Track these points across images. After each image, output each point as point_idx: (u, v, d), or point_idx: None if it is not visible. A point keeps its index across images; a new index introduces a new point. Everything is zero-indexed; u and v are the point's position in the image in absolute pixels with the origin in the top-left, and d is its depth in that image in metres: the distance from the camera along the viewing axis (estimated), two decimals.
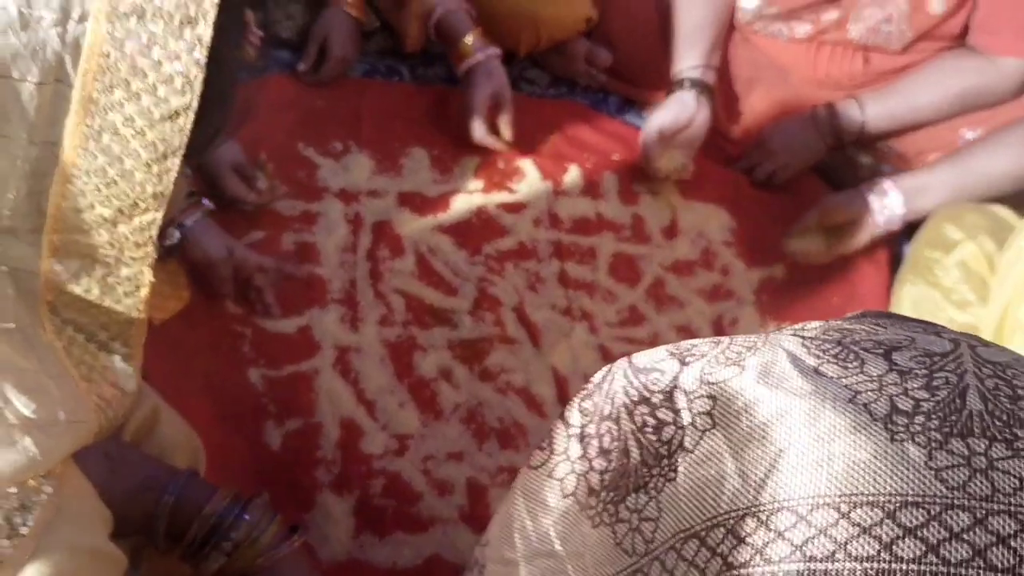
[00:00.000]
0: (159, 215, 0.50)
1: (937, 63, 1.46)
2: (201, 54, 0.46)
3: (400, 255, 1.32)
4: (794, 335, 0.37)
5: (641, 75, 1.61)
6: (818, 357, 0.35)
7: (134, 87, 0.46)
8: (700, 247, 1.45)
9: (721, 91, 1.56)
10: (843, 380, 0.33)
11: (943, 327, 0.37)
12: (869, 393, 0.33)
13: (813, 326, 0.38)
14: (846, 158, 1.53)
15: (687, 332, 1.33)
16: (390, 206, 1.37)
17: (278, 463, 1.08)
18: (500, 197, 1.43)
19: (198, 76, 0.47)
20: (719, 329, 1.35)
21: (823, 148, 1.50)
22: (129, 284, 0.54)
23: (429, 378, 1.20)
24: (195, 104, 0.47)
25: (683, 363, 0.38)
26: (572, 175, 1.49)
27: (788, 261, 1.45)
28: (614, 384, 0.39)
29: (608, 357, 1.27)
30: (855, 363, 0.34)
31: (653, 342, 1.31)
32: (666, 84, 1.58)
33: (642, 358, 0.40)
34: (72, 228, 0.50)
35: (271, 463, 1.07)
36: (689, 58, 1.47)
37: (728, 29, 1.57)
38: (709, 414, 0.35)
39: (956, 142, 1.46)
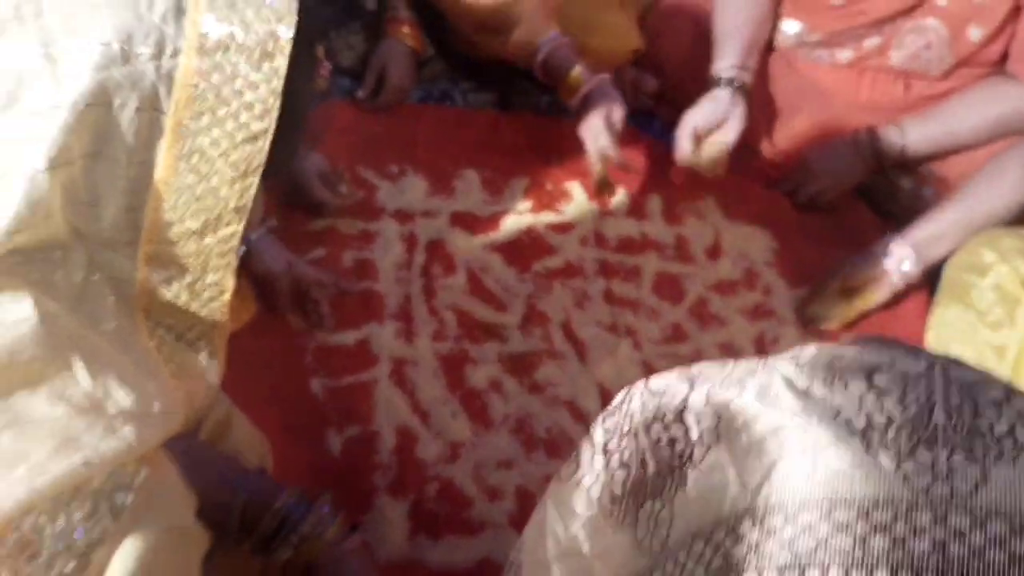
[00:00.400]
0: (240, 227, 0.56)
1: (976, 90, 1.49)
2: (278, 84, 0.52)
3: (452, 272, 1.38)
4: (790, 360, 0.43)
5: (686, 99, 1.65)
6: (809, 379, 0.41)
7: (219, 114, 0.52)
8: (742, 267, 1.49)
9: (763, 114, 1.60)
10: (828, 400, 0.39)
11: (925, 352, 0.43)
12: (849, 410, 0.39)
13: (809, 351, 0.43)
14: (887, 181, 1.56)
15: (729, 350, 1.38)
16: (443, 226, 1.44)
17: (338, 468, 1.14)
18: (548, 218, 1.49)
19: (275, 104, 0.52)
20: (761, 347, 1.39)
21: (864, 171, 1.54)
22: (214, 289, 0.59)
23: (480, 389, 1.26)
24: (272, 128, 0.53)
25: (692, 386, 0.44)
26: (618, 197, 1.54)
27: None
28: (632, 405, 0.45)
29: (651, 373, 1.31)
30: (840, 383, 0.40)
31: (695, 359, 1.35)
32: None
33: (657, 382, 0.46)
34: (164, 240, 0.55)
35: (332, 467, 1.14)
36: (724, 58, 1.50)
37: (769, 52, 1.61)
38: (714, 430, 0.41)
39: None
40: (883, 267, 1.40)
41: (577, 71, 1.47)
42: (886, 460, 0.37)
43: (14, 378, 0.52)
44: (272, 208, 1.31)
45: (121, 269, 0.57)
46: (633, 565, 0.43)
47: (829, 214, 1.59)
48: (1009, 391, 0.41)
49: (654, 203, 1.55)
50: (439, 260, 1.39)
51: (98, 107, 0.50)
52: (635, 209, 1.53)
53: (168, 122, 0.52)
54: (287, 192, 1.38)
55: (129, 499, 0.55)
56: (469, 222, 1.45)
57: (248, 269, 1.23)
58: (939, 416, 0.38)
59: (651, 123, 1.69)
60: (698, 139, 1.46)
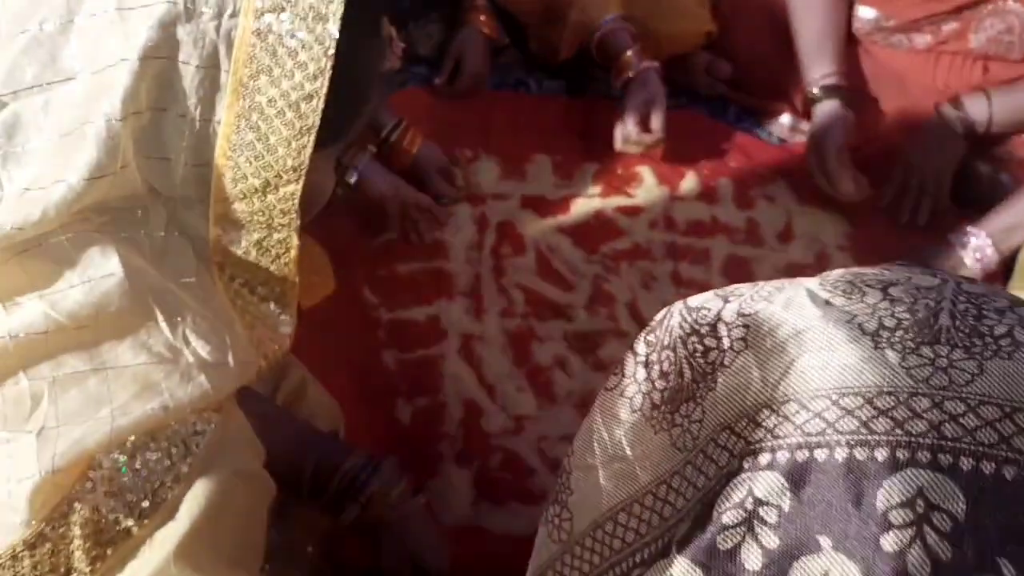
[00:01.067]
0: (299, 186, 0.57)
1: None
2: (331, 45, 0.54)
3: (521, 253, 1.42)
4: (818, 278, 0.46)
5: (760, 86, 1.66)
6: (830, 292, 0.44)
7: (275, 73, 0.55)
8: (814, 251, 1.49)
9: None
10: (846, 307, 0.43)
11: (943, 271, 0.46)
12: (864, 316, 0.42)
13: (836, 272, 0.47)
14: (966, 169, 1.53)
15: None
16: (513, 208, 1.48)
17: (407, 436, 1.19)
18: (618, 201, 1.52)
19: (327, 65, 0.54)
20: None
21: (960, 148, 1.49)
22: (280, 247, 0.61)
23: (545, 366, 1.29)
24: (324, 89, 0.55)
25: (726, 301, 0.47)
26: (689, 181, 1.55)
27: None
28: (672, 320, 0.48)
29: None
30: (857, 295, 0.43)
31: None
32: (784, 94, 1.63)
33: (695, 299, 0.49)
34: (231, 198, 0.58)
35: (401, 435, 1.19)
36: (821, 67, 1.50)
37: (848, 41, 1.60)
38: (743, 339, 0.44)
39: None
40: (960, 257, 1.39)
41: (628, 55, 1.50)
42: (892, 355, 0.40)
43: (102, 329, 0.57)
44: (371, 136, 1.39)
45: (196, 227, 0.60)
46: (669, 463, 0.47)
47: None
48: (1013, 302, 0.44)
49: (724, 187, 1.55)
50: (509, 241, 1.43)
51: (163, 60, 0.54)
52: (705, 193, 1.54)
53: (228, 81, 0.55)
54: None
55: (203, 443, 0.59)
56: (539, 205, 1.49)
57: (362, 193, 1.34)
58: (944, 319, 0.42)
59: (725, 110, 1.70)
60: (843, 160, 1.47)
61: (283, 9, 0.54)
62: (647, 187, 1.54)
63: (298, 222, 0.59)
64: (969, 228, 1.40)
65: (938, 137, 1.48)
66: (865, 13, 1.53)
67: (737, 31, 1.65)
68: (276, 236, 0.60)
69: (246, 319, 0.64)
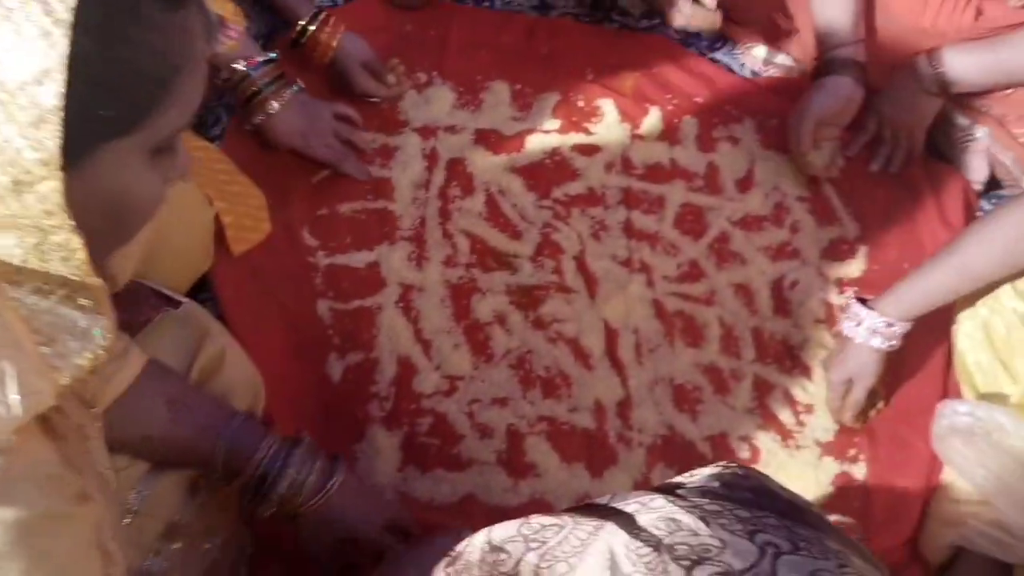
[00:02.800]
0: (58, 183, 0.51)
1: None
2: (63, 15, 0.48)
3: (470, 194, 1.37)
4: (630, 521, 0.43)
5: (737, 11, 1.56)
6: (633, 564, 0.41)
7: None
8: (773, 201, 1.44)
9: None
10: None
11: (768, 528, 0.42)
12: None
13: (656, 508, 0.43)
14: (941, 118, 1.46)
15: (744, 291, 1.35)
16: (466, 143, 1.41)
17: (336, 395, 1.18)
18: (576, 139, 1.45)
19: (61, 38, 0.48)
20: (779, 291, 1.36)
21: (934, 102, 1.42)
22: (62, 250, 0.55)
23: (484, 322, 1.27)
24: (63, 70, 0.49)
25: (527, 548, 0.44)
26: (652, 118, 1.48)
27: (862, 221, 1.43)
28: (472, 556, 0.46)
29: (661, 312, 1.31)
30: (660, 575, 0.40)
31: (708, 300, 1.34)
32: (761, 22, 1.54)
33: (499, 533, 0.46)
34: None
35: (330, 394, 1.18)
36: (839, 34, 1.39)
37: None
38: None
39: None
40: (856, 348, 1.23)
41: None
42: None
43: None
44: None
45: None
46: None
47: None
48: None
49: (688, 127, 1.48)
50: (458, 180, 1.38)
51: None
52: (668, 132, 1.48)
53: None
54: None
55: None
56: (493, 140, 1.42)
57: (272, 137, 1.27)
58: None
59: (698, 35, 1.60)
60: (819, 132, 1.39)
61: None
62: (608, 124, 1.47)
63: (72, 223, 0.52)
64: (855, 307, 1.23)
65: (911, 93, 1.41)
66: None
67: None
68: (53, 239, 0.54)
69: (42, 335, 0.57)
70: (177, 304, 1.02)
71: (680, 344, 1.29)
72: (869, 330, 1.21)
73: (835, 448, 1.25)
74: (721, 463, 0.54)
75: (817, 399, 1.28)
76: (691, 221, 1.40)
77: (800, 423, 1.27)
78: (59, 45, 0.49)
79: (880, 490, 1.23)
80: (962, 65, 1.36)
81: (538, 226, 1.36)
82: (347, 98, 1.39)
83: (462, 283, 1.30)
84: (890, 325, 1.20)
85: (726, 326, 1.32)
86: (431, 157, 1.39)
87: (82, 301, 0.58)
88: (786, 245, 1.40)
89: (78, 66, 0.49)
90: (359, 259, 1.29)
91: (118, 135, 0.54)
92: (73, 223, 0.53)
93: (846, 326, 1.24)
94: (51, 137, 0.50)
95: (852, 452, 1.26)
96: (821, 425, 1.27)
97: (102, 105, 0.52)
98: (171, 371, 0.95)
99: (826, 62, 1.41)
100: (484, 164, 1.40)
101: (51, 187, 0.51)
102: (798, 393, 1.29)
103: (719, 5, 1.53)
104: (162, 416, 0.90)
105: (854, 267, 1.40)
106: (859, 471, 1.24)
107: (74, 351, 0.58)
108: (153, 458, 0.92)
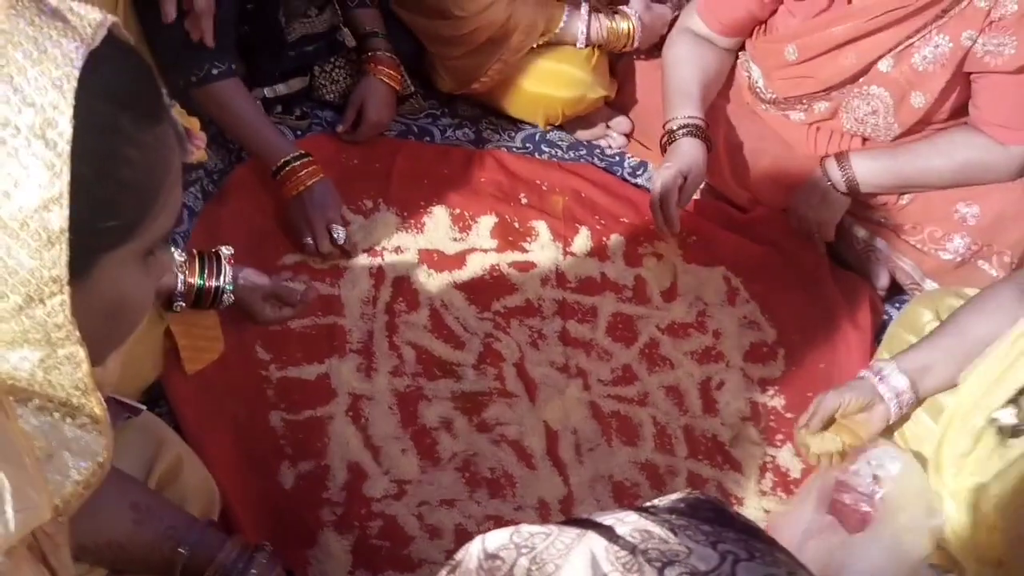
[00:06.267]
0: (66, 296, 0.55)
1: (947, 133, 1.53)
2: (64, 148, 0.53)
3: (416, 309, 1.46)
4: (608, 531, 0.50)
5: (653, 141, 1.72)
6: (612, 564, 0.48)
7: (6, 184, 0.52)
8: (696, 310, 1.55)
9: (729, 159, 1.66)
10: None
11: (728, 536, 0.50)
12: None
13: (630, 521, 0.51)
14: (843, 230, 1.61)
15: (675, 392, 1.44)
16: (411, 262, 1.51)
17: (289, 501, 1.22)
18: (513, 256, 1.56)
19: (63, 168, 0.53)
20: (706, 391, 1.45)
21: (843, 199, 1.56)
22: (69, 363, 0.58)
23: (431, 427, 1.33)
24: (66, 194, 0.53)
25: (519, 554, 0.51)
26: (582, 237, 1.61)
27: (780, 327, 1.55)
28: (470, 564, 0.53)
29: (598, 413, 1.39)
30: (635, 574, 0.47)
31: (642, 401, 1.42)
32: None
33: (493, 540, 0.53)
34: None
35: (283, 501, 1.22)
36: (682, 108, 1.55)
37: (738, 102, 1.67)
38: None
39: (951, 216, 1.53)
40: (878, 393, 1.25)
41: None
42: None
43: None
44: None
45: None
46: None
47: (788, 259, 1.63)
48: None
49: (616, 244, 1.61)
50: (404, 296, 1.47)
51: None
52: (597, 249, 1.60)
53: None
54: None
55: None
56: (436, 259, 1.53)
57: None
58: None
59: (621, 163, 1.75)
60: (676, 191, 1.49)
61: (6, 124, 0.53)
62: (542, 242, 1.59)
63: (77, 334, 0.56)
64: (887, 367, 1.26)
65: (823, 192, 1.55)
66: (756, 77, 1.60)
67: (631, 91, 1.70)
68: (61, 352, 0.57)
69: (41, 450, 0.60)
70: (137, 411, 1.06)
71: (617, 443, 1.37)
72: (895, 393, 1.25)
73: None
74: (686, 490, 0.61)
75: (748, 491, 1.36)
76: (622, 329, 1.50)
77: None
78: (63, 175, 0.54)
79: None
80: (867, 168, 1.51)
81: (480, 336, 1.44)
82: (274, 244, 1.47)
83: (409, 391, 1.36)
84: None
85: (659, 425, 1.40)
86: (377, 275, 1.48)
87: (81, 420, 0.61)
88: (711, 349, 1.51)
89: (79, 190, 0.54)
90: (310, 371, 1.36)
91: (118, 245, 0.59)
92: (79, 335, 0.57)
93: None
94: (59, 256, 0.54)
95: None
96: (752, 516, 1.34)
97: (103, 220, 0.57)
98: (132, 478, 0.98)
99: (670, 132, 1.54)
100: (428, 281, 1.50)
101: (59, 301, 0.55)
102: (730, 486, 1.36)
103: (634, 137, 1.71)
104: (126, 521, 0.92)
105: (774, 368, 1.50)
106: None
107: (73, 468, 0.62)
108: (114, 565, 0.95)
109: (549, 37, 1.67)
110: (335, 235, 1.45)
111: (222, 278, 1.24)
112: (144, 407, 1.09)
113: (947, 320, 1.30)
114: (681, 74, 1.57)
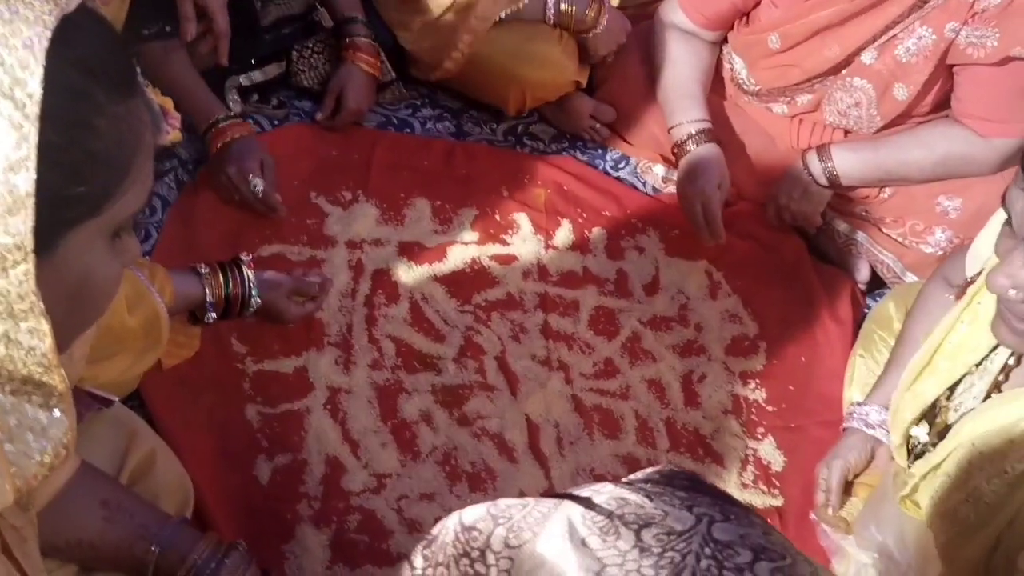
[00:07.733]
0: (30, 266, 0.53)
1: (929, 125, 1.53)
2: (32, 109, 0.51)
3: (395, 302, 1.44)
4: (585, 501, 0.50)
5: (636, 135, 1.71)
6: (588, 529, 0.47)
7: None
8: (678, 303, 1.55)
9: None
10: (599, 552, 0.46)
11: (703, 501, 0.49)
12: (613, 567, 0.45)
13: (606, 491, 0.50)
14: (824, 223, 1.61)
15: (656, 386, 1.43)
16: (390, 255, 1.49)
17: (265, 496, 1.20)
18: (494, 249, 1.54)
19: (31, 131, 0.51)
20: (688, 384, 1.45)
21: (825, 192, 1.56)
22: (32, 337, 0.56)
23: (411, 420, 1.31)
24: (33, 158, 0.51)
25: (496, 524, 0.50)
26: (564, 230, 1.59)
27: (761, 320, 1.54)
28: (446, 537, 0.52)
29: (579, 407, 1.38)
30: (612, 537, 0.47)
31: (623, 395, 1.41)
32: (659, 145, 1.68)
33: (470, 515, 0.52)
34: None
35: (259, 496, 1.20)
36: (688, 111, 1.55)
37: (720, 94, 1.66)
38: (508, 572, 0.48)
39: (933, 209, 1.53)
40: (875, 440, 1.26)
41: None
42: None
43: None
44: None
45: None
46: None
47: (770, 252, 1.63)
48: (757, 552, 0.47)
49: (598, 237, 1.60)
50: (384, 289, 1.45)
51: None
52: (579, 243, 1.58)
53: None
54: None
55: None
56: (416, 252, 1.51)
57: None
58: None
59: (604, 156, 1.74)
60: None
61: None
62: (523, 235, 1.57)
63: (42, 306, 0.54)
64: (864, 409, 1.27)
65: (803, 184, 1.55)
66: (739, 64, 1.60)
67: (615, 82, 1.69)
68: (24, 326, 0.55)
69: (6, 431, 0.58)
70: (108, 403, 1.04)
71: (599, 436, 1.35)
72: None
73: None
74: (660, 465, 0.61)
75: (730, 484, 1.35)
76: (604, 322, 1.49)
77: None
78: (30, 137, 0.52)
79: None
80: (848, 161, 1.51)
81: (461, 330, 1.42)
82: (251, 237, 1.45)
83: (388, 384, 1.34)
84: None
85: (641, 418, 1.39)
86: (356, 268, 1.46)
87: (43, 399, 0.59)
88: (693, 343, 1.50)
89: (47, 154, 0.53)
90: (287, 365, 1.34)
91: (85, 218, 0.57)
92: (43, 307, 0.55)
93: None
94: (24, 222, 0.52)
95: None
96: None
97: (70, 188, 0.56)
98: (103, 473, 0.96)
99: (686, 137, 1.53)
100: (408, 274, 1.48)
101: (23, 270, 0.53)
102: (712, 479, 1.35)
103: (616, 128, 1.70)
104: (97, 518, 0.90)
105: (756, 361, 1.50)
106: None
107: (36, 449, 0.59)
108: (84, 562, 0.93)
109: (519, 5, 1.63)
110: (253, 185, 1.43)
111: (247, 283, 1.25)
112: (116, 398, 1.06)
113: (900, 333, 1.30)
114: (679, 74, 1.57)
